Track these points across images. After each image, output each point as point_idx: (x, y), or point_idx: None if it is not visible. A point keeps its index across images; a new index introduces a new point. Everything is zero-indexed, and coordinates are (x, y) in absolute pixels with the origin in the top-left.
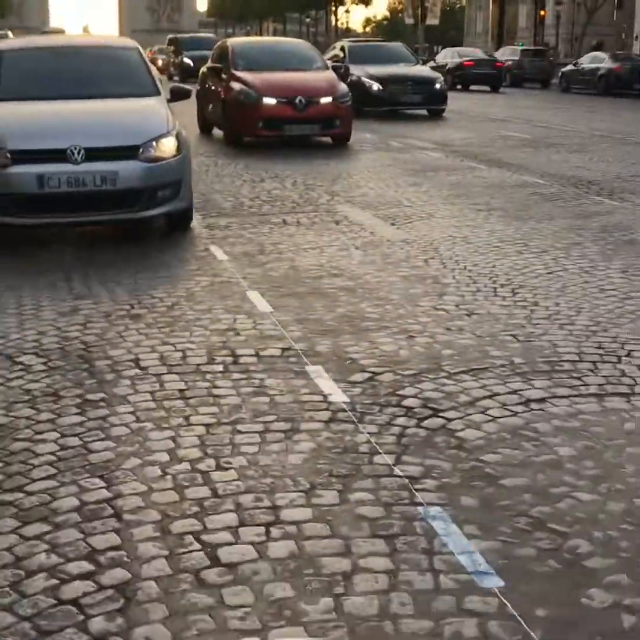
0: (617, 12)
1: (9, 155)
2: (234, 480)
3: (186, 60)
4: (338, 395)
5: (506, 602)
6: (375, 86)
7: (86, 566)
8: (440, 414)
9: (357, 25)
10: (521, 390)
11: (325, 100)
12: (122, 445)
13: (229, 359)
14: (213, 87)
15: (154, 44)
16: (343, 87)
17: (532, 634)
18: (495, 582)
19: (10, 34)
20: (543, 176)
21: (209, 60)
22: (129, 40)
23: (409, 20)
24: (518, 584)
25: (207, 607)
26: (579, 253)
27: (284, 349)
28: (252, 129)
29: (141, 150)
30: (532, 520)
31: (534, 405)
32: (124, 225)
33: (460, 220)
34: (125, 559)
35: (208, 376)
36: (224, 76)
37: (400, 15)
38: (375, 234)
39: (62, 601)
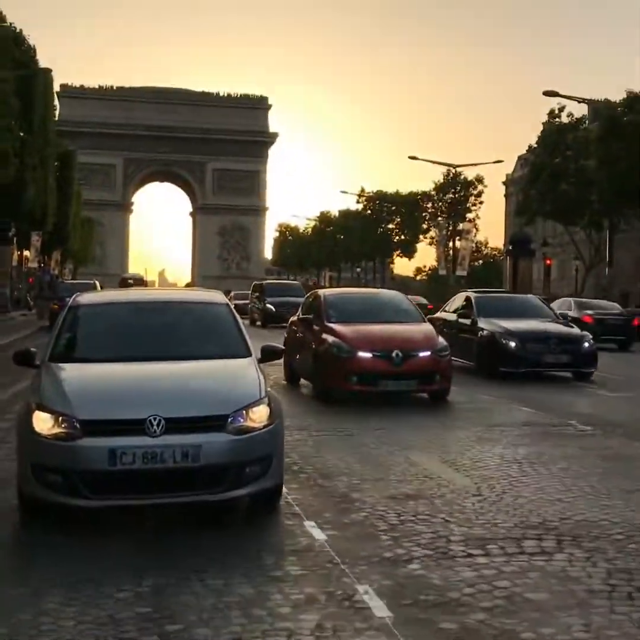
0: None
1: (79, 426)
2: None
3: (269, 305)
4: None
5: None
6: (513, 343)
7: None
8: None
9: (406, 272)
10: None
11: (424, 354)
12: None
13: None
14: (303, 338)
15: (223, 288)
16: (442, 340)
17: None
18: None
19: (98, 284)
20: None
21: (299, 310)
22: (218, 295)
23: (442, 272)
24: None
25: None
26: None
27: None
28: (344, 384)
29: (230, 420)
30: None
31: None
32: (204, 507)
33: None
34: None
35: None
36: (315, 327)
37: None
38: None
39: None
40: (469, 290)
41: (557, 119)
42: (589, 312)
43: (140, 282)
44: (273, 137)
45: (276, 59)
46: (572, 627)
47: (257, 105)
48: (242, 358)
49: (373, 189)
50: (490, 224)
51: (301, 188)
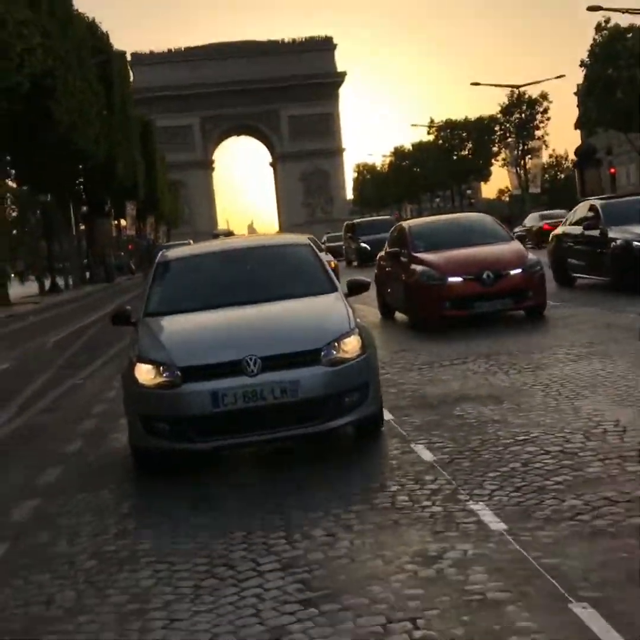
0: None
1: (179, 373)
2: None
3: (363, 245)
4: None
5: None
6: None
7: None
8: None
9: (486, 195)
10: None
11: (515, 271)
12: None
13: None
14: (393, 271)
15: (310, 234)
16: (532, 256)
17: None
18: None
19: (191, 242)
20: None
21: (386, 244)
22: (301, 237)
23: (517, 191)
24: None
25: None
26: None
27: None
28: (438, 311)
29: (323, 353)
30: None
31: None
32: (307, 441)
33: None
34: None
35: None
36: (403, 259)
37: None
38: None
39: None
40: (592, 198)
41: (604, 31)
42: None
43: (230, 236)
44: (341, 76)
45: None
46: None
47: (323, 47)
48: (328, 294)
49: (442, 118)
50: (568, 137)
51: (374, 126)
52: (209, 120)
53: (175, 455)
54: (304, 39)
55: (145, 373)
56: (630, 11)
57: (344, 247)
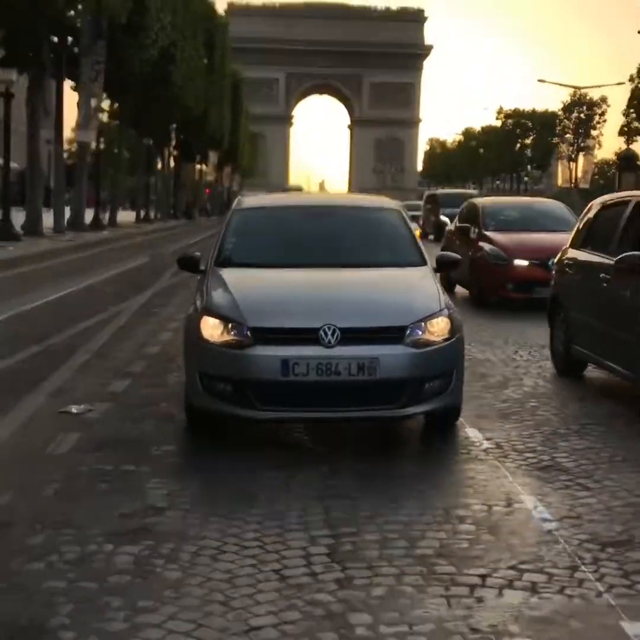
0: None
1: (250, 334)
2: None
3: (444, 218)
4: None
5: None
6: None
7: None
8: None
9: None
10: None
11: None
12: None
13: None
14: (461, 246)
15: None
16: None
17: None
18: None
19: (264, 193)
20: None
21: (456, 219)
22: (390, 201)
23: (565, 185)
24: None
25: None
26: None
27: None
28: (500, 291)
29: (408, 331)
30: None
31: None
32: (379, 424)
33: None
34: None
35: None
36: (472, 236)
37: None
38: None
39: None
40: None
41: None
42: None
43: (299, 192)
44: (428, 49)
45: None
46: None
47: (413, 19)
48: (417, 267)
49: (511, 107)
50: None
51: (449, 103)
52: (294, 76)
53: (233, 420)
54: (396, 9)
55: (211, 328)
56: None
57: (422, 218)
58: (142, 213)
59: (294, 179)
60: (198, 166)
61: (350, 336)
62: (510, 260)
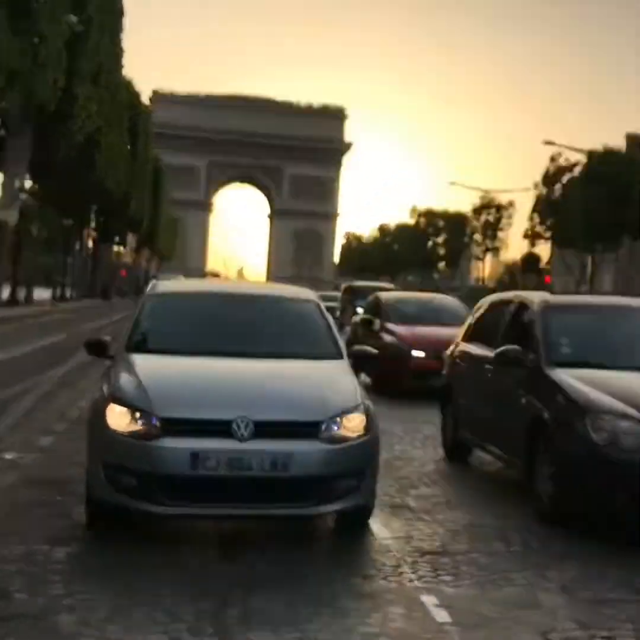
0: None
1: (158, 424)
2: None
3: (360, 310)
4: None
5: None
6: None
7: None
8: None
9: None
10: None
11: None
12: None
13: None
14: (365, 337)
15: None
16: None
17: None
18: None
19: (183, 278)
20: None
21: (361, 311)
22: (309, 292)
23: (472, 283)
24: None
25: None
26: None
27: None
28: (399, 380)
29: (324, 427)
30: None
31: None
32: (289, 523)
33: None
34: None
35: None
36: (375, 327)
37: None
38: None
39: None
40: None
41: (554, 161)
42: None
43: (217, 277)
44: (348, 146)
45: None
46: None
47: (335, 116)
48: (334, 360)
49: (424, 206)
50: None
51: (368, 198)
52: (215, 164)
53: (137, 516)
54: (319, 106)
55: (118, 416)
56: (575, 149)
57: (339, 309)
58: (59, 292)
59: (212, 265)
60: (116, 248)
61: (264, 430)
62: (409, 351)
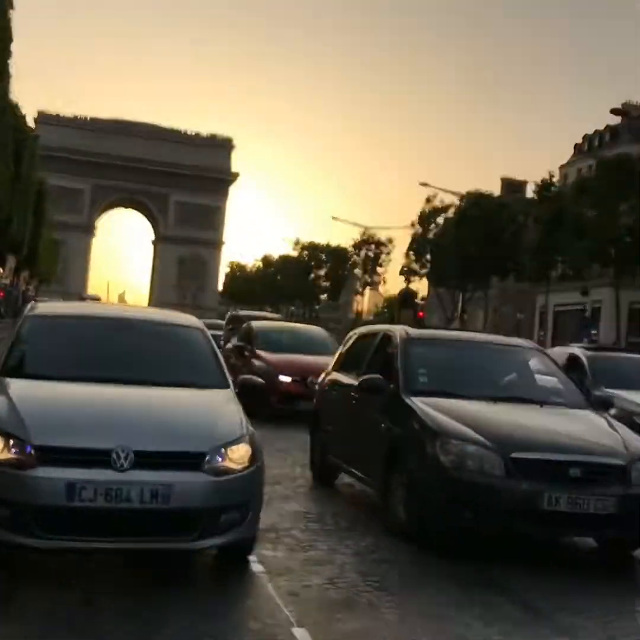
0: None
1: (33, 453)
2: None
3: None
4: None
5: None
6: None
7: None
8: None
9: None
10: None
11: None
12: None
13: None
14: (237, 362)
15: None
16: None
17: None
18: None
19: (61, 300)
20: None
21: (235, 339)
22: (192, 318)
23: (351, 316)
24: None
25: None
26: None
27: None
28: (267, 403)
29: (207, 457)
30: None
31: None
32: (170, 556)
33: None
34: None
35: None
36: (246, 354)
37: None
38: None
39: None
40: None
41: (430, 202)
42: None
43: (97, 302)
44: (234, 176)
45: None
46: None
47: (222, 146)
48: (219, 389)
49: (308, 239)
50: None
51: (253, 228)
52: (100, 188)
53: (10, 549)
54: (207, 134)
55: None
56: (450, 191)
57: (223, 339)
58: None
59: (93, 289)
60: None
61: (145, 460)
62: (276, 376)
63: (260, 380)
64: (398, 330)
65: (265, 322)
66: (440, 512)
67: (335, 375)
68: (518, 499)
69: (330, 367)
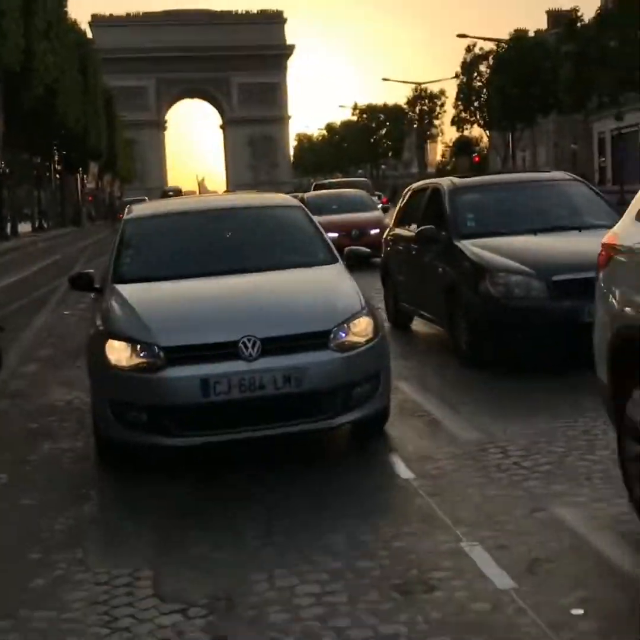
0: None
1: (162, 355)
2: None
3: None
4: None
5: None
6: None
7: None
8: None
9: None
10: None
11: (374, 231)
12: None
13: None
14: None
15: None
16: (388, 220)
17: None
18: None
19: (147, 199)
20: None
21: None
22: (290, 198)
23: (415, 170)
24: None
25: None
26: None
27: None
28: None
29: (332, 335)
30: None
31: None
32: (309, 437)
33: None
34: None
35: None
36: None
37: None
38: None
39: None
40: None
41: (470, 51)
42: None
43: (178, 194)
44: (290, 49)
45: None
46: None
47: (273, 20)
48: (329, 265)
49: (365, 102)
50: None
51: (315, 99)
52: (163, 82)
53: (151, 451)
54: (256, 11)
55: (118, 351)
56: (488, 39)
57: None
58: (37, 223)
59: (173, 181)
60: (80, 176)
61: (272, 346)
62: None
63: (366, 250)
64: (445, 182)
65: (315, 192)
66: (494, 337)
67: (396, 230)
68: (561, 316)
69: (391, 222)
